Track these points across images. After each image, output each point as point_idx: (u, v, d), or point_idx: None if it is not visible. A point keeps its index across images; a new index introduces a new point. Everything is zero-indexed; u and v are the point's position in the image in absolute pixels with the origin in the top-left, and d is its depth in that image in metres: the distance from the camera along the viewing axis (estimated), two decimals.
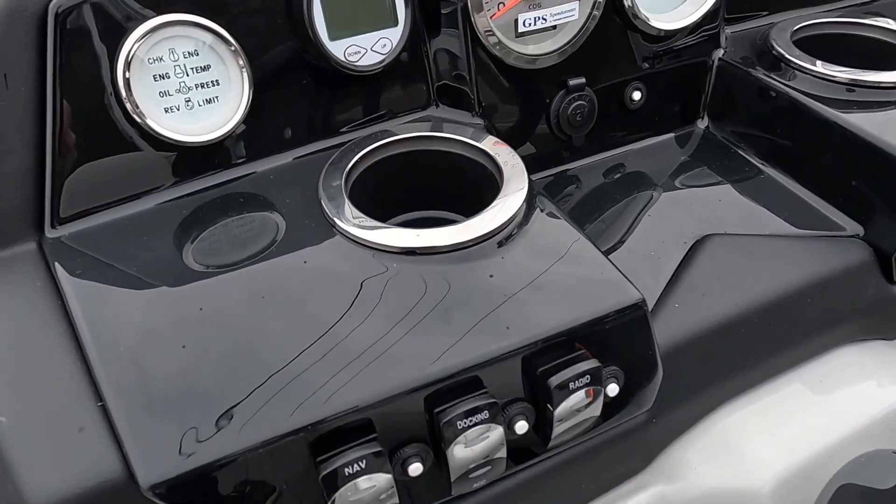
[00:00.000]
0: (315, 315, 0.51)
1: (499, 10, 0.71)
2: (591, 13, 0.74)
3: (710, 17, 0.83)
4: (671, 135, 0.89)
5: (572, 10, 0.73)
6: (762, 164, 0.82)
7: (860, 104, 0.74)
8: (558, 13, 0.73)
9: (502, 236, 0.57)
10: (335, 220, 0.58)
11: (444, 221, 0.71)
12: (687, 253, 0.71)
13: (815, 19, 0.87)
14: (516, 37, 0.73)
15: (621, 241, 0.73)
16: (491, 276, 0.54)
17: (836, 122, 0.72)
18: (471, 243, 0.56)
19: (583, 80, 0.78)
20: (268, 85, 0.65)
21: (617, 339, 0.55)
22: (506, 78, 0.76)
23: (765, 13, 0.91)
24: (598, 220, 0.77)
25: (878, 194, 0.70)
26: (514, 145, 0.78)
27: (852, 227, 0.72)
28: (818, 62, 0.78)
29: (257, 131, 0.66)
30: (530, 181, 0.63)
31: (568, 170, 0.84)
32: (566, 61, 0.77)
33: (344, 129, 0.71)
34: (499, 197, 0.60)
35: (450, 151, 0.68)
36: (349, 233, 0.57)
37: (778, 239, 0.72)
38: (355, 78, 0.68)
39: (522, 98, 0.78)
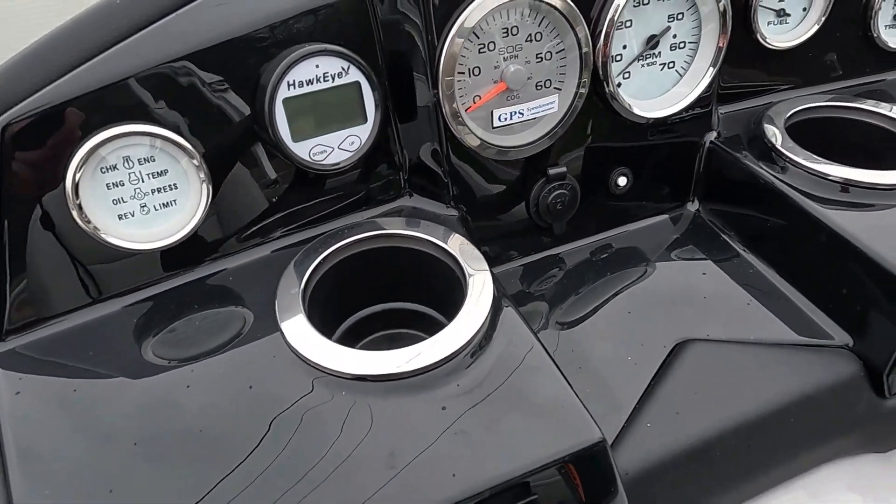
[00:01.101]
0: (243, 447, 0.49)
1: (474, 102, 0.69)
2: (572, 104, 0.72)
3: (701, 100, 0.80)
4: (660, 217, 0.86)
5: (551, 103, 0.71)
6: (752, 256, 0.79)
7: (854, 206, 0.70)
8: (536, 107, 0.70)
9: (459, 361, 0.55)
10: (287, 336, 0.56)
11: (407, 316, 0.70)
12: (665, 360, 0.67)
13: (811, 102, 0.83)
14: (493, 129, 0.71)
15: (598, 342, 0.70)
16: (443, 408, 0.52)
17: (827, 224, 0.69)
18: (424, 370, 0.53)
19: (563, 169, 0.76)
20: (230, 184, 0.63)
21: (576, 476, 0.52)
22: (482, 167, 0.73)
23: (761, 94, 0.88)
24: (575, 315, 0.74)
25: (868, 304, 0.67)
26: (492, 232, 0.78)
27: (841, 336, 0.69)
28: (811, 157, 0.75)
29: (218, 232, 0.64)
30: (496, 294, 0.60)
31: (549, 256, 0.82)
32: (546, 151, 0.74)
33: (311, 224, 0.69)
34: (460, 314, 0.58)
35: (412, 249, 0.66)
36: (299, 352, 0.55)
37: (761, 348, 0.68)
38: (322, 175, 0.66)
39: (500, 187, 0.75)
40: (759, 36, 0.82)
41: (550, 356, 0.57)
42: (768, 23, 0.83)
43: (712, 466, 0.62)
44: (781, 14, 0.83)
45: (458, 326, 0.57)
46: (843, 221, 0.68)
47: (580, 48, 0.69)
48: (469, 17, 0.63)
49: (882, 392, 0.67)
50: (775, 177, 0.75)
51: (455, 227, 0.71)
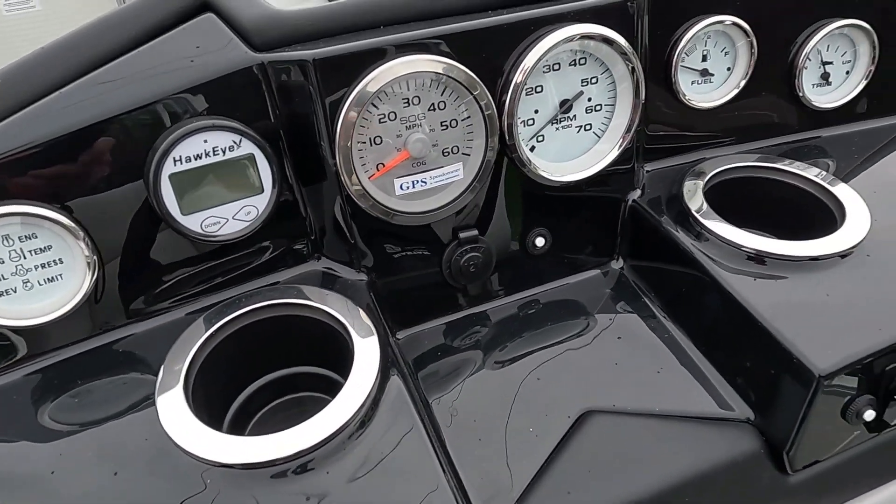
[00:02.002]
0: None
1: (378, 170, 0.68)
2: (480, 169, 0.71)
3: (621, 159, 0.79)
4: (584, 275, 0.85)
5: (456, 171, 0.70)
6: (669, 321, 0.78)
7: (765, 278, 0.69)
8: (440, 176, 0.70)
9: (332, 447, 0.54)
10: (161, 417, 0.55)
11: (307, 379, 0.69)
12: (566, 433, 0.67)
13: (733, 163, 0.83)
14: (396, 196, 0.70)
15: (502, 411, 0.69)
16: (307, 499, 0.51)
17: (735, 296, 0.68)
18: (292, 458, 0.53)
19: (475, 232, 0.75)
20: (120, 256, 0.63)
21: None
22: (391, 232, 0.73)
23: (690, 150, 0.87)
24: (485, 381, 0.73)
25: (769, 380, 0.66)
26: (408, 294, 0.77)
27: (743, 410, 0.68)
28: (725, 225, 0.74)
29: (106, 304, 0.64)
30: (381, 367, 0.59)
31: (469, 315, 0.81)
32: (458, 213, 0.74)
33: (215, 290, 0.69)
34: (339, 393, 0.57)
35: (304, 317, 0.66)
36: (170, 437, 0.54)
37: (664, 420, 0.67)
38: (219, 245, 0.66)
39: (412, 250, 0.75)
40: (681, 96, 0.82)
41: (431, 438, 0.56)
42: (692, 82, 0.83)
43: None
44: (705, 74, 0.83)
45: (338, 405, 0.56)
46: (750, 295, 0.67)
47: (484, 114, 0.68)
48: (363, 90, 0.62)
49: (784, 469, 0.67)
50: (690, 243, 0.74)
51: (360, 293, 0.71)
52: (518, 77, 0.68)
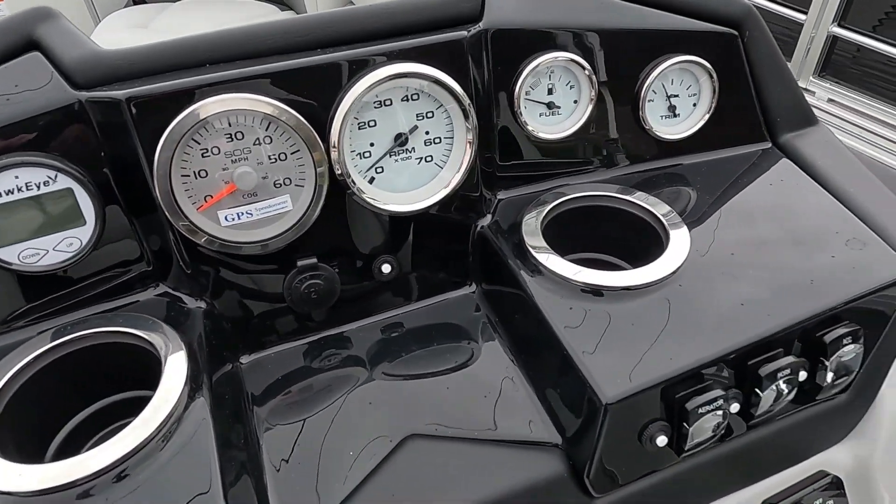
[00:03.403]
0: None
1: (206, 202, 0.71)
2: (312, 200, 0.74)
3: (467, 188, 0.82)
4: (435, 300, 0.88)
5: (283, 203, 0.73)
6: (506, 346, 0.80)
7: (579, 308, 0.71)
8: (266, 207, 0.72)
9: (117, 473, 0.56)
10: None
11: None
12: (385, 457, 0.69)
13: (576, 192, 0.85)
14: (223, 227, 0.72)
15: (326, 433, 0.72)
16: None
17: (550, 325, 0.70)
18: (80, 482, 0.55)
19: (313, 260, 0.78)
20: None
21: None
22: (228, 262, 0.75)
23: (544, 179, 0.90)
24: (315, 402, 0.75)
25: (572, 408, 0.68)
26: (248, 323, 0.79)
27: (553, 436, 0.71)
28: (553, 257, 0.76)
29: None
30: (182, 398, 0.61)
31: (313, 340, 0.83)
32: (294, 243, 0.76)
33: (46, 319, 0.71)
34: (138, 417, 0.59)
35: (121, 344, 0.68)
36: None
37: (480, 445, 0.70)
38: (43, 275, 0.68)
39: (250, 278, 0.77)
40: (528, 128, 0.85)
41: (228, 459, 0.58)
42: (540, 114, 0.86)
43: None
44: (552, 106, 0.86)
45: (135, 427, 0.59)
46: (562, 324, 0.70)
47: (309, 149, 0.71)
48: (178, 126, 0.65)
49: (589, 493, 0.69)
50: (519, 270, 0.77)
51: (195, 320, 0.73)
52: (340, 114, 0.71)
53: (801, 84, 2.50)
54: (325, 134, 0.72)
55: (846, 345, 0.68)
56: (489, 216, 0.87)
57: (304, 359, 0.81)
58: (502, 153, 0.87)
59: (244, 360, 0.80)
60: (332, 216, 0.77)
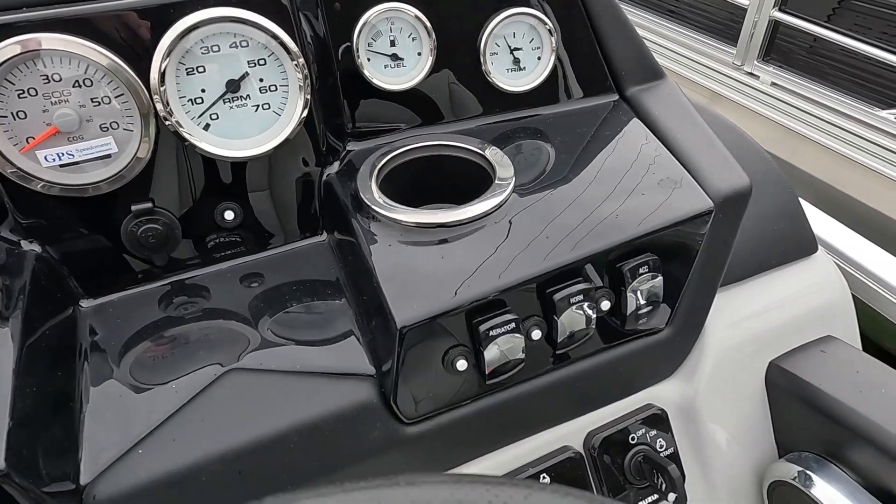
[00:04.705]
0: None
1: (28, 143, 0.72)
2: (140, 144, 0.76)
3: (306, 138, 0.84)
4: (288, 248, 0.90)
5: (105, 144, 0.74)
6: (348, 292, 0.83)
7: (399, 245, 0.75)
8: (87, 149, 0.74)
9: None
10: None
11: None
12: (202, 389, 0.71)
13: (417, 143, 0.88)
14: (49, 168, 0.74)
15: (149, 373, 0.73)
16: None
17: (368, 260, 0.74)
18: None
19: (148, 205, 0.80)
20: None
21: None
22: (59, 205, 0.77)
23: (393, 132, 0.93)
24: (156, 342, 0.77)
25: (381, 337, 0.71)
26: (84, 266, 0.81)
27: (369, 367, 0.74)
28: (384, 201, 0.79)
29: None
30: None
31: (157, 286, 0.85)
32: (128, 188, 0.78)
33: None
34: None
35: None
36: None
37: (300, 377, 0.73)
38: None
39: (87, 223, 0.79)
40: (375, 81, 0.87)
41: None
42: (384, 66, 0.89)
43: (202, 493, 0.66)
44: (395, 58, 0.89)
45: None
46: (379, 258, 0.73)
47: (131, 94, 0.73)
48: None
49: (401, 420, 0.72)
50: (353, 215, 0.80)
51: (26, 262, 0.75)
52: (157, 58, 0.73)
53: (746, 69, 2.56)
54: (149, 80, 0.74)
55: (642, 274, 0.72)
56: (336, 164, 0.89)
57: (155, 305, 0.83)
58: (350, 104, 0.89)
59: (84, 304, 0.81)
60: (168, 162, 0.79)
